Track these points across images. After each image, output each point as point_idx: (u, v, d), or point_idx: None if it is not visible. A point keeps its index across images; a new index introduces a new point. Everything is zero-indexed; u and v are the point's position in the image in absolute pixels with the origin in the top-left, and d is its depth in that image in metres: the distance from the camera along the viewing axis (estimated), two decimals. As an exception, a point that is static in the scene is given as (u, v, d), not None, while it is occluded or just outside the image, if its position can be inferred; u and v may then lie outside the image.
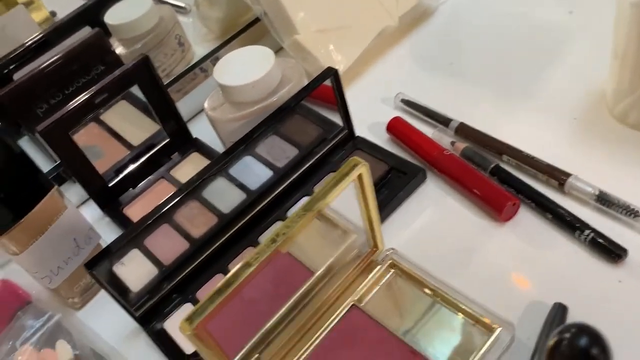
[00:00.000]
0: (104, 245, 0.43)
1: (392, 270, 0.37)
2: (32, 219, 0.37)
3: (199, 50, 0.60)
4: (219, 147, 0.50)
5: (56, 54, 0.48)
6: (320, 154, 0.46)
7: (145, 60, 0.45)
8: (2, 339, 0.40)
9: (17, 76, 0.49)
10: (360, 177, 0.32)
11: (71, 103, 0.43)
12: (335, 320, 0.36)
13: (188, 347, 0.38)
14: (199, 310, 0.28)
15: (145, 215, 0.39)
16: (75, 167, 0.45)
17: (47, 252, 0.39)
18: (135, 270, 0.42)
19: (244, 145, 0.41)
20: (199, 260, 0.42)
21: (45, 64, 0.47)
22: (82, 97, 0.43)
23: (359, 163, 0.32)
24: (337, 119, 0.47)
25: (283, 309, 0.36)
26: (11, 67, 0.49)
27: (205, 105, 0.47)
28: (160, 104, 0.48)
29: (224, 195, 0.45)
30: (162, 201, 0.40)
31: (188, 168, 0.49)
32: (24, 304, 0.43)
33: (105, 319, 0.42)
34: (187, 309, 0.40)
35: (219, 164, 0.41)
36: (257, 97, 0.44)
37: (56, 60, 0.47)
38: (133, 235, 0.38)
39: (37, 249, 0.38)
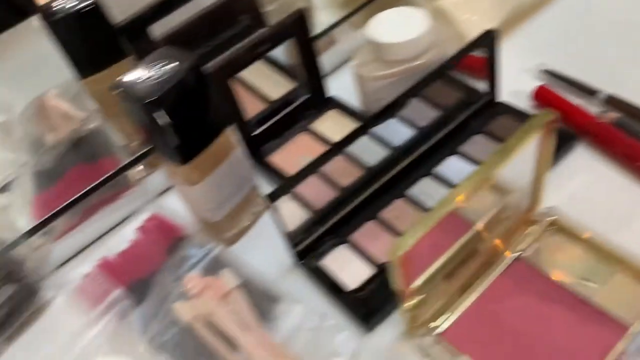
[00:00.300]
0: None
1: (553, 227, 0.39)
2: (213, 151, 0.39)
3: (321, 16, 0.61)
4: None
5: (203, 7, 0.50)
6: (462, 117, 0.47)
7: (302, 15, 0.47)
8: (165, 268, 0.43)
9: (151, 30, 0.50)
10: (548, 130, 0.33)
11: (235, 50, 0.46)
12: (500, 271, 0.38)
13: (348, 284, 0.40)
14: (409, 236, 0.30)
15: (302, 167, 0.40)
16: (232, 112, 0.47)
17: (217, 186, 0.41)
18: (289, 214, 0.44)
19: (397, 106, 0.43)
20: (349, 207, 0.44)
21: (197, 15, 0.49)
22: (246, 46, 0.45)
23: (551, 115, 0.33)
24: (475, 84, 0.48)
25: (447, 256, 0.37)
26: (147, 20, 0.51)
27: (353, 62, 0.48)
28: (308, 60, 0.50)
29: (368, 151, 0.47)
30: (315, 156, 0.41)
31: (329, 123, 0.51)
32: (177, 239, 0.46)
33: (255, 257, 0.44)
34: (341, 250, 0.42)
35: (372, 124, 0.43)
36: (410, 56, 0.46)
37: (206, 11, 0.50)
38: (292, 182, 0.41)
39: (211, 181, 0.40)
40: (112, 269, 0.45)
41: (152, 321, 0.41)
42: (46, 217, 0.46)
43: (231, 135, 0.41)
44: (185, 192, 0.42)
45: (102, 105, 0.49)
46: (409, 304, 0.34)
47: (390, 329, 0.38)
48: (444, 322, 0.36)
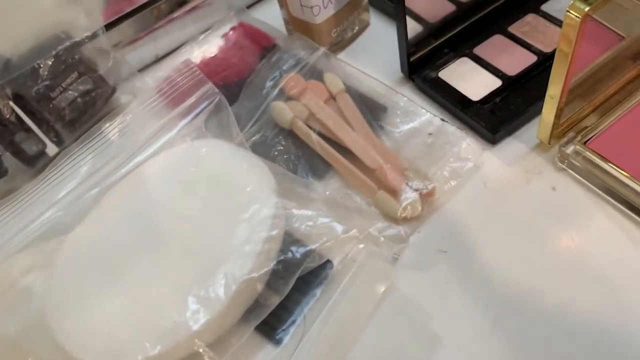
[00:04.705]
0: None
1: None
2: None
3: None
4: None
5: None
6: None
7: None
8: (260, 69, 0.39)
9: None
10: None
11: None
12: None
13: (475, 95, 0.35)
14: None
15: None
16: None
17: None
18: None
19: None
20: (470, 21, 0.38)
21: None
22: None
23: None
24: None
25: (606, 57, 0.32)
26: None
27: None
28: None
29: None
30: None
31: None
32: (269, 47, 0.41)
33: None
34: (463, 62, 0.37)
35: None
36: None
37: None
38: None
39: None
40: (200, 69, 0.40)
41: (247, 121, 0.37)
42: (117, 17, 0.42)
43: None
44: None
45: None
46: (561, 100, 0.29)
47: (517, 143, 0.34)
48: (590, 132, 0.32)
